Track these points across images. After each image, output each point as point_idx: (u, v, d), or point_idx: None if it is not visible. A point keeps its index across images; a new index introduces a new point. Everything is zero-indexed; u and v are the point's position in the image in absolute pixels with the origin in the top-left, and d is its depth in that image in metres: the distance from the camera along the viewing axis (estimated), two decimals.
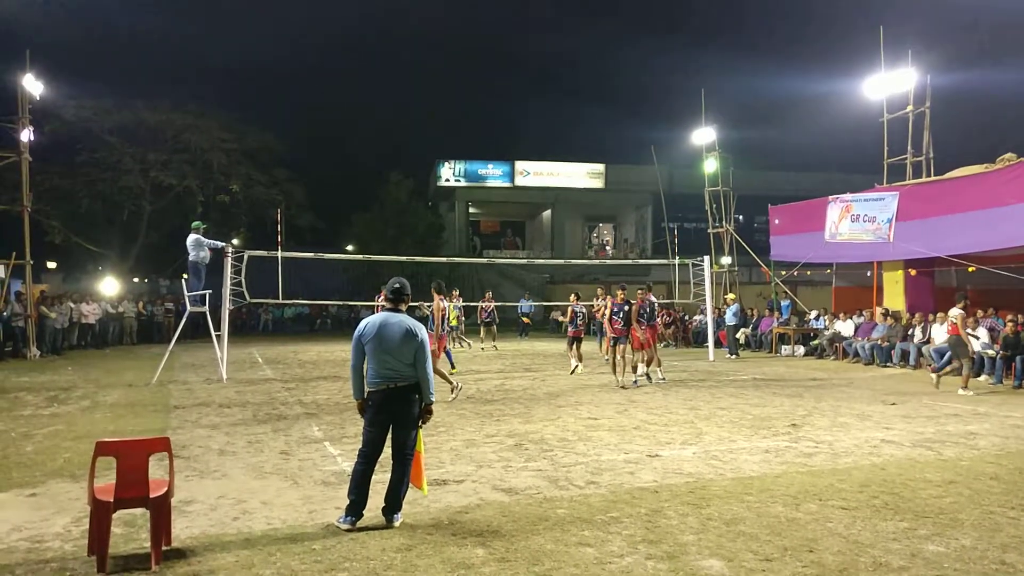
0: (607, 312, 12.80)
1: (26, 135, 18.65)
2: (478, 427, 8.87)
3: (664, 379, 13.50)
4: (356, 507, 5.10)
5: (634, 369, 13.04)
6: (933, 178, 18.30)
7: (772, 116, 45.00)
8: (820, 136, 39.94)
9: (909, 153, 19.12)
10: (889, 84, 19.71)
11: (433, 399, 5.35)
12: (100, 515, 4.32)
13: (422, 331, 5.29)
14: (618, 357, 12.62)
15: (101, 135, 28.73)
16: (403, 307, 5.40)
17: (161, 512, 4.44)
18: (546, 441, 8.03)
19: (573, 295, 15.60)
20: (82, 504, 5.37)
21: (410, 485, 5.33)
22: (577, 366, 14.57)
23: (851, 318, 18.72)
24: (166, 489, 4.56)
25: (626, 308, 12.52)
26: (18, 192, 19.02)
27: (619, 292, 12.57)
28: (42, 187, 25.49)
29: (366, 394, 5.28)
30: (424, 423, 5.38)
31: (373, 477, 5.26)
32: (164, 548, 4.49)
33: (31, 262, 19.11)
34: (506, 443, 7.92)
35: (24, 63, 18.39)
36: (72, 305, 20.44)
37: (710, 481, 6.31)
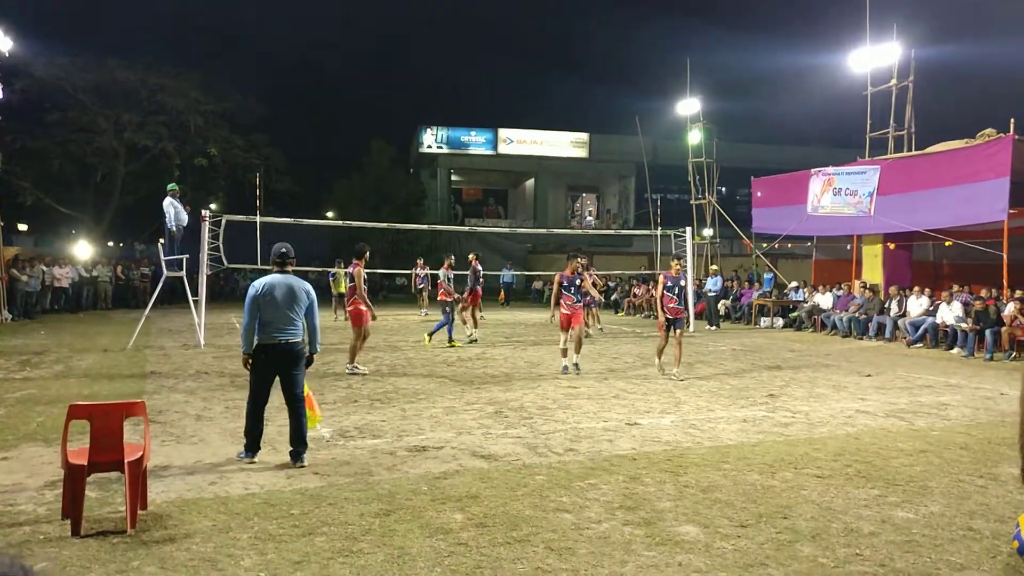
0: (660, 289, 10.42)
1: None
2: (458, 395, 8.88)
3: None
4: (255, 444, 5.82)
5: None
6: (914, 152, 18.40)
7: (757, 88, 44.95)
8: (804, 109, 39.99)
9: (891, 127, 19.19)
10: (874, 57, 19.70)
11: (318, 350, 6.09)
12: (74, 478, 4.27)
13: (310, 291, 5.92)
14: (673, 341, 10.39)
15: (74, 94, 28.03)
16: (289, 269, 5.98)
17: (136, 476, 4.39)
18: (526, 409, 8.06)
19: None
20: (55, 468, 5.31)
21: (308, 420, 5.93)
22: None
23: (830, 291, 18.90)
24: (141, 453, 4.51)
25: (681, 283, 10.45)
26: None
27: (674, 263, 10.45)
28: (12, 147, 24.88)
29: (255, 348, 5.77)
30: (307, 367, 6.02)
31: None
32: (140, 512, 4.46)
33: (1, 224, 18.73)
34: (486, 410, 7.94)
35: None
36: (44, 268, 20.10)
37: (688, 449, 6.37)
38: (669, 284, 10.32)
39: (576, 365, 10.84)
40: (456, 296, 14.71)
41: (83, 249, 25.30)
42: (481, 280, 15.66)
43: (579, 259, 11.25)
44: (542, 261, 33.24)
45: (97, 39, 30.26)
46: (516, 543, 4.17)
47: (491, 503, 4.86)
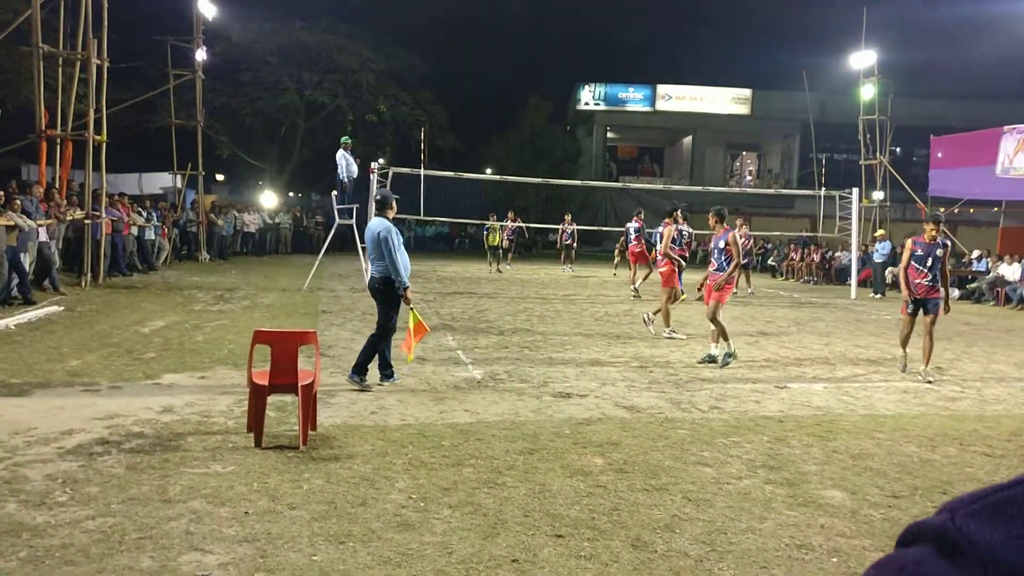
0: (905, 258, 7.90)
1: (200, 55, 20.02)
2: (604, 348, 8.99)
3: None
4: (381, 368, 6.62)
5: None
6: None
7: (941, 37, 40.13)
8: (997, 60, 35.16)
9: None
10: None
11: (402, 283, 6.38)
12: (257, 397, 4.84)
13: (382, 232, 6.39)
14: (921, 329, 7.81)
15: (263, 56, 30.34)
16: (388, 214, 6.66)
17: (308, 399, 4.90)
18: (671, 366, 8.04)
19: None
20: (243, 388, 6.00)
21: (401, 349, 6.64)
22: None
23: (1019, 262, 17.04)
24: (312, 379, 5.02)
25: (938, 253, 7.71)
26: (193, 109, 20.62)
27: (928, 227, 7.78)
28: (212, 104, 27.43)
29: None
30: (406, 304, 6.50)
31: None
32: (311, 432, 4.98)
33: (203, 174, 20.86)
34: (631, 365, 8.00)
35: None
36: (237, 215, 22.23)
37: (839, 416, 6.13)
38: (919, 253, 7.72)
39: (717, 356, 8.20)
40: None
41: (268, 198, 27.64)
42: (635, 238, 15.46)
43: (677, 211, 10.63)
44: (697, 221, 32.29)
45: (282, 3, 32.22)
46: (654, 490, 4.27)
47: (631, 451, 4.97)
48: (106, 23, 13.21)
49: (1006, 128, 17.88)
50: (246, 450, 4.70)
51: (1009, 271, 16.97)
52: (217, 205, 22.45)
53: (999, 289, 16.92)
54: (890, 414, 6.28)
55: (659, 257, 10.79)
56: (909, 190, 22.50)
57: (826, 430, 5.65)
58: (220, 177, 34.02)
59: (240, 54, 29.69)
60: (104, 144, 13.45)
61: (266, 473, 4.31)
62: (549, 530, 3.70)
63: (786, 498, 4.22)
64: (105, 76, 13.39)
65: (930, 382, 7.57)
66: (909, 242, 7.97)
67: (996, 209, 20.94)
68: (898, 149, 28.01)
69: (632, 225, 15.58)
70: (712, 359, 8.21)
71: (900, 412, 6.36)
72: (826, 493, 4.33)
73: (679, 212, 10.83)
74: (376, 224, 6.55)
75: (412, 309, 6.49)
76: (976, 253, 18.97)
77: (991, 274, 17.48)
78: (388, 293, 6.44)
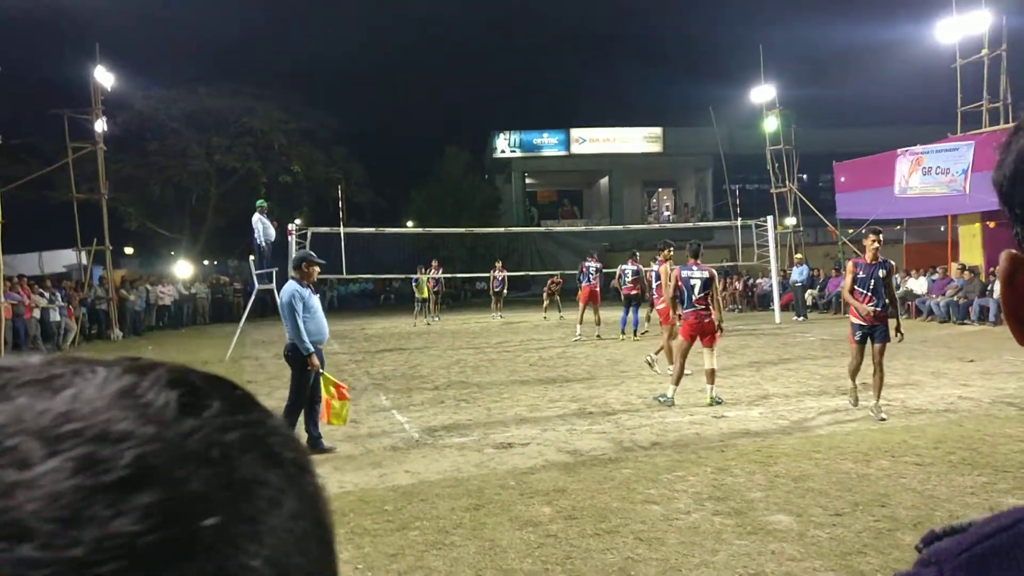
0: (848, 282, 7.33)
1: (100, 125, 19.41)
2: (541, 393, 8.94)
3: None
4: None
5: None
6: (1012, 124, 17.33)
7: (835, 69, 43.03)
8: (887, 88, 37.98)
9: (985, 99, 18.13)
10: (962, 27, 18.68)
11: (302, 350, 6.24)
12: None
13: (289, 295, 6.29)
14: (869, 360, 7.11)
15: (168, 123, 29.71)
16: (293, 275, 6.46)
17: None
18: (610, 405, 8.06)
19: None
20: None
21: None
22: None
23: (923, 275, 18.04)
24: None
25: (880, 274, 7.04)
26: (95, 181, 19.87)
27: (870, 241, 7.08)
28: (117, 176, 26.54)
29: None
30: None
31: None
32: None
33: (110, 248, 20.02)
34: (570, 407, 7.98)
35: (95, 56, 19.07)
36: (149, 288, 21.36)
37: (777, 440, 6.24)
38: (861, 276, 7.06)
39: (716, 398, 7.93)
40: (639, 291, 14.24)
41: (182, 268, 26.75)
42: (593, 278, 15.34)
43: (670, 248, 9.61)
44: (619, 259, 32.97)
45: (185, 71, 31.80)
46: (605, 534, 4.20)
47: (578, 496, 4.90)
48: None
49: (899, 151, 19.08)
50: None
51: (917, 285, 17.93)
52: (127, 279, 21.55)
53: (909, 303, 17.81)
54: (825, 433, 6.43)
55: (656, 296, 10.43)
56: (819, 214, 23.60)
57: (766, 455, 5.73)
58: (129, 250, 32.83)
59: (144, 123, 29.00)
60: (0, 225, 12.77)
61: None
62: None
63: (735, 528, 4.23)
64: None
65: (883, 419, 6.76)
66: (850, 264, 7.35)
67: (899, 227, 22.19)
68: (805, 176, 29.44)
69: (592, 264, 15.41)
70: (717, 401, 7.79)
71: (834, 431, 6.53)
72: (773, 519, 4.35)
73: (670, 250, 9.79)
74: (284, 289, 6.42)
75: (323, 373, 6.26)
76: None
77: (900, 289, 18.42)
78: (298, 359, 6.24)
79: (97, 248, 19.74)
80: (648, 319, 14.50)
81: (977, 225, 18.00)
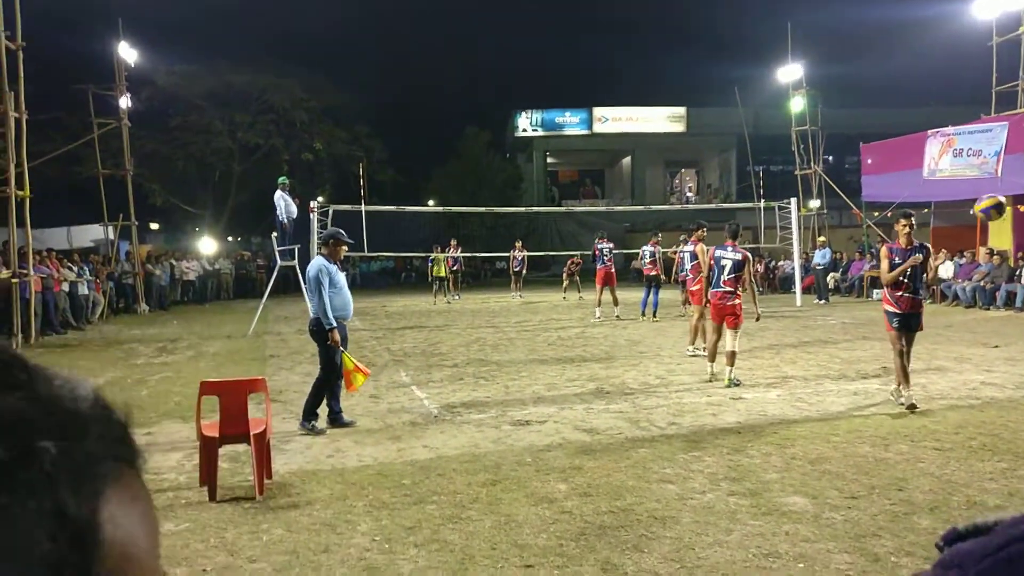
0: (884, 267, 6.81)
1: (124, 102, 19.57)
2: (559, 372, 8.98)
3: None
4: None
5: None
6: None
7: (864, 48, 42.14)
8: (918, 68, 37.10)
9: (1022, 79, 17.70)
10: (1000, 3, 18.14)
11: (327, 324, 6.21)
12: (208, 449, 4.66)
13: (309, 271, 6.41)
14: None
15: (191, 99, 29.85)
16: (322, 251, 6.52)
17: (261, 447, 4.74)
18: (627, 385, 8.08)
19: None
20: (192, 441, 5.78)
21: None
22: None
23: (950, 259, 17.77)
24: (264, 426, 4.86)
25: (916, 257, 6.65)
26: (121, 157, 20.08)
27: (901, 225, 6.75)
28: (141, 152, 26.78)
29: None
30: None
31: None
32: (266, 481, 4.81)
33: (136, 223, 20.28)
34: (587, 387, 8.01)
35: (118, 32, 19.18)
36: (174, 263, 21.65)
37: (795, 422, 6.23)
38: (897, 261, 6.61)
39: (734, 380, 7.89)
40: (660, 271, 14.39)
41: (206, 244, 27.03)
42: (608, 259, 15.19)
43: (703, 229, 9.89)
44: (640, 240, 32.80)
45: (207, 48, 31.87)
46: (620, 512, 4.24)
47: (594, 474, 4.94)
48: (22, 74, 12.83)
49: (930, 132, 18.69)
50: (200, 505, 4.51)
51: (943, 269, 17.67)
52: (153, 254, 21.82)
53: (935, 288, 17.57)
54: (843, 417, 6.41)
55: (690, 276, 10.40)
56: (844, 197, 23.28)
57: (783, 438, 5.72)
58: (155, 226, 33.17)
59: (167, 99, 29.14)
60: (27, 199, 12.98)
61: (223, 527, 4.14)
62: (518, 561, 3.63)
63: (750, 508, 4.25)
64: (24, 129, 12.96)
65: (905, 405, 6.47)
66: (884, 250, 6.95)
67: (926, 211, 21.82)
68: (830, 158, 29.02)
69: (604, 246, 15.27)
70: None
71: (852, 414, 6.50)
72: (788, 500, 4.37)
73: (703, 230, 10.06)
74: (311, 264, 6.50)
75: (343, 352, 6.23)
76: None
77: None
78: (322, 334, 6.28)
79: (123, 223, 20.00)
80: (686, 304, 12.92)
81: (1008, 209, 17.64)
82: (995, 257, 16.30)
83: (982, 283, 16.05)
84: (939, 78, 34.76)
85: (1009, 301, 15.33)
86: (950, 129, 18.24)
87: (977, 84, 19.26)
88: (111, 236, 20.50)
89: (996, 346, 10.35)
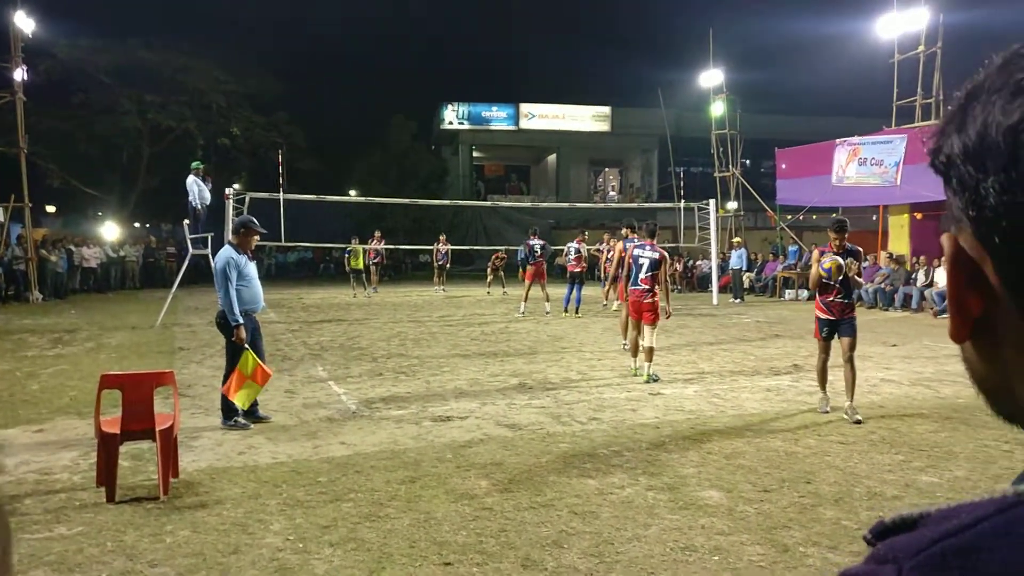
0: (814, 273, 6.66)
1: (19, 74, 18.32)
2: (482, 367, 8.94)
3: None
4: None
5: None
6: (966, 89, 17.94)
7: (781, 58, 43.91)
8: (829, 79, 38.95)
9: (919, 95, 18.75)
10: (901, 23, 19.23)
11: (232, 319, 5.97)
12: (108, 447, 4.39)
13: (223, 261, 6.06)
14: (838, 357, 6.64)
15: (96, 75, 28.21)
16: (234, 240, 6.27)
17: (167, 444, 4.50)
18: (549, 380, 8.10)
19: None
20: (89, 439, 5.44)
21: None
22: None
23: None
24: (171, 422, 4.62)
25: (846, 263, 6.54)
26: (14, 134, 18.78)
27: (833, 234, 6.68)
28: (38, 129, 25.14)
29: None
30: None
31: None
32: (172, 480, 4.57)
33: (30, 205, 19.00)
34: (510, 382, 7.99)
35: (15, 0, 17.94)
36: (73, 248, 20.43)
37: (711, 418, 6.37)
38: (827, 266, 6.47)
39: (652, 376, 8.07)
40: (584, 267, 14.82)
41: (110, 230, 25.67)
42: (539, 256, 15.18)
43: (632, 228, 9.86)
44: (564, 237, 33.12)
45: (115, 22, 30.31)
46: (540, 507, 4.22)
47: (515, 470, 4.91)
48: None
49: (838, 141, 19.62)
50: (97, 507, 4.24)
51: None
52: (49, 239, 20.55)
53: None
54: (756, 412, 6.61)
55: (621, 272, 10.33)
56: (759, 199, 24.13)
57: (700, 433, 5.85)
58: (51, 208, 31.30)
59: (69, 73, 27.38)
60: None
61: (121, 530, 3.90)
62: (437, 559, 3.57)
63: (667, 503, 4.30)
64: None
65: (859, 421, 6.15)
66: (816, 253, 6.77)
67: (834, 215, 22.82)
68: (748, 161, 29.99)
69: (536, 243, 15.19)
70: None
71: (765, 410, 6.71)
72: (704, 494, 4.45)
73: (632, 231, 10.04)
74: (219, 255, 6.21)
75: (246, 350, 5.84)
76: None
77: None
78: (229, 328, 6.00)
79: (15, 205, 18.74)
80: (607, 297, 13.31)
81: (906, 216, 18.69)
82: (893, 262, 17.23)
83: (882, 285, 16.93)
84: (848, 90, 36.54)
85: (906, 302, 16.22)
86: (856, 139, 19.17)
87: (881, 98, 20.31)
88: (1, 218, 19.16)
89: (894, 345, 10.92)
